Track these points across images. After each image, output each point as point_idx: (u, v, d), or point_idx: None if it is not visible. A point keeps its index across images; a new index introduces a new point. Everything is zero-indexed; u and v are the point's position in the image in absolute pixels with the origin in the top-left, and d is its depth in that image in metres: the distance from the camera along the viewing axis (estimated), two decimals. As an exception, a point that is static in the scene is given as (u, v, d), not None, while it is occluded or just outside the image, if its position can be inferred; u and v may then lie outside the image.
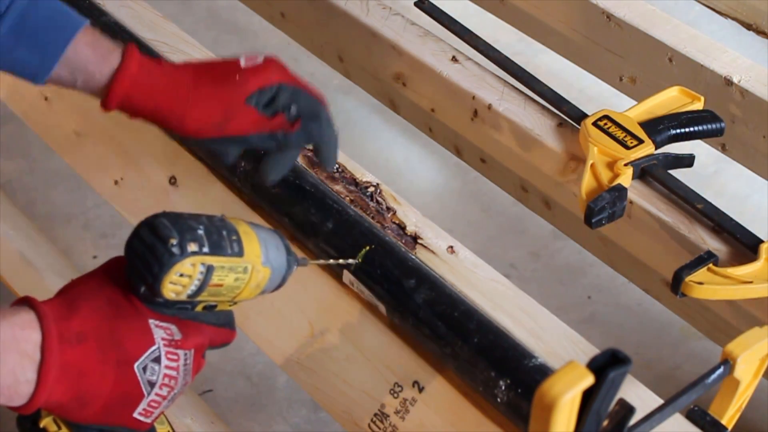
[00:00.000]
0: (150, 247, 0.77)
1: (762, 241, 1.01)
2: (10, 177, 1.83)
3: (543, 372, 0.86)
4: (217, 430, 1.10)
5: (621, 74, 1.36)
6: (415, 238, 1.01)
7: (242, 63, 0.95)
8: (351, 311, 1.01)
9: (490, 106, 1.21)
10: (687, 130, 1.10)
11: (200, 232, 0.79)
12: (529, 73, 1.22)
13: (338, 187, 1.06)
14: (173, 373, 0.80)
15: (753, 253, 1.01)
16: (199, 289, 0.79)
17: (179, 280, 0.78)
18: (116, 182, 1.21)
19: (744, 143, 1.25)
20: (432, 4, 1.34)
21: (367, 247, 0.97)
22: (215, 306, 0.83)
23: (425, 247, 1.00)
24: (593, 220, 1.02)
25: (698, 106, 1.13)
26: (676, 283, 0.98)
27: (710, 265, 0.99)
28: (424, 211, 1.05)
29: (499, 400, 0.88)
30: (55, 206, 1.77)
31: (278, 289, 0.87)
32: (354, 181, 1.07)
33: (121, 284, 0.80)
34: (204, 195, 1.13)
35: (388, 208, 1.04)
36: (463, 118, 1.25)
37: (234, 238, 0.81)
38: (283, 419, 1.52)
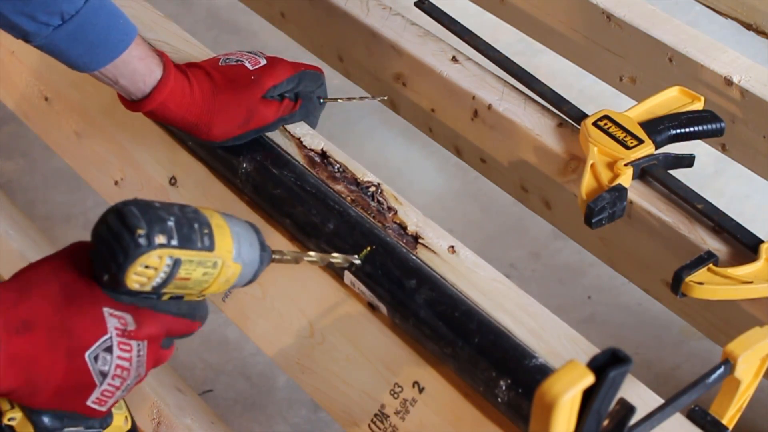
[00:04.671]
0: (116, 235, 0.75)
1: (762, 241, 1.01)
2: (10, 177, 1.83)
3: (544, 372, 0.87)
4: (217, 430, 1.10)
5: (621, 74, 1.36)
6: (416, 238, 1.01)
7: (249, 66, 1.05)
8: (351, 311, 1.01)
9: (490, 106, 1.21)
10: (687, 130, 1.10)
11: (170, 223, 0.77)
12: (529, 73, 1.22)
13: (339, 187, 1.06)
14: (125, 363, 0.79)
15: (753, 253, 1.01)
16: (165, 282, 0.78)
17: (144, 272, 0.76)
18: (116, 182, 1.21)
19: (744, 143, 1.25)
20: (432, 4, 1.34)
21: (369, 248, 0.97)
22: (182, 297, 0.82)
23: (426, 246, 1.01)
24: (593, 221, 1.02)
25: (698, 106, 1.13)
26: (676, 283, 0.98)
27: (710, 265, 0.99)
28: (424, 212, 1.05)
29: (499, 400, 0.88)
30: (55, 206, 1.77)
31: (249, 284, 0.86)
32: (355, 181, 1.07)
33: (83, 268, 0.79)
34: (204, 195, 1.13)
35: (389, 208, 1.04)
36: (463, 118, 1.25)
37: (206, 231, 0.79)
38: (283, 419, 1.52)
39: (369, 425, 0.96)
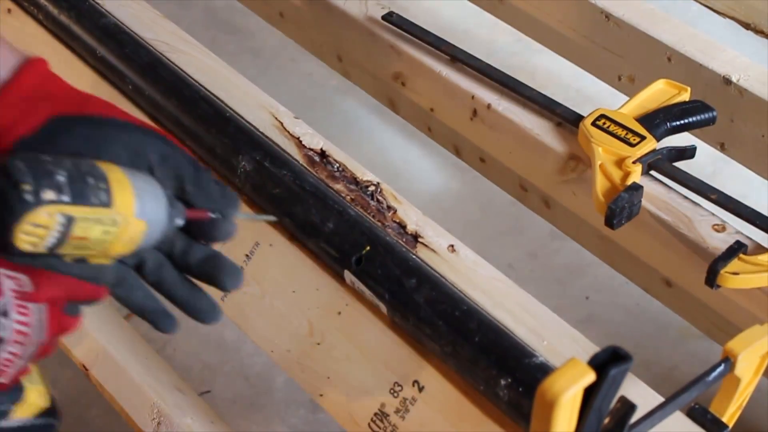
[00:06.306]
0: (1, 192, 0.70)
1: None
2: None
3: (544, 370, 0.86)
4: (218, 430, 1.10)
5: (619, 73, 1.36)
6: (415, 237, 1.01)
7: None
8: (351, 310, 1.01)
9: (489, 106, 1.21)
10: (683, 121, 1.10)
11: (60, 178, 0.71)
12: (515, 80, 1.21)
13: (339, 186, 1.06)
14: (24, 328, 0.74)
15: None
16: (60, 242, 0.73)
17: (34, 231, 0.71)
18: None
19: (743, 142, 1.25)
20: (400, 16, 1.30)
21: (368, 248, 0.97)
22: (85, 260, 0.77)
23: (426, 245, 1.01)
24: (614, 221, 1.02)
25: (686, 96, 1.13)
26: (711, 276, 0.97)
27: (740, 254, 0.99)
28: (422, 212, 1.05)
29: (500, 398, 0.88)
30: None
31: (162, 244, 0.81)
32: (354, 180, 1.07)
33: None
34: (203, 194, 1.13)
35: (389, 207, 1.04)
36: (463, 118, 1.25)
37: (102, 186, 0.73)
38: (281, 420, 1.52)
39: (369, 424, 0.96)
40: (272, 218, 0.92)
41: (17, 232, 0.70)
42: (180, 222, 0.80)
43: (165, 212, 0.77)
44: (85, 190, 0.72)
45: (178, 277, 0.84)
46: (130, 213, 0.75)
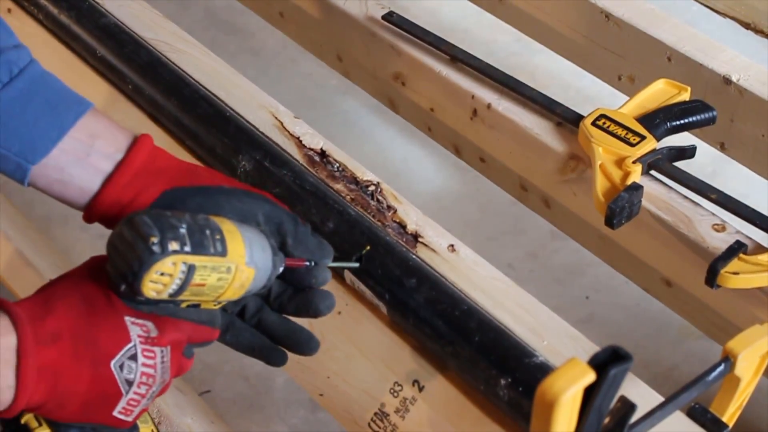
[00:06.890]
0: (130, 244, 0.76)
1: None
2: (8, 178, 1.82)
3: (544, 370, 0.87)
4: (218, 430, 1.10)
5: (620, 73, 1.36)
6: (415, 237, 1.01)
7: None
8: (351, 310, 1.01)
9: (489, 105, 1.21)
10: (683, 121, 1.10)
11: (182, 230, 0.77)
12: (515, 80, 1.21)
13: (339, 186, 1.06)
14: (150, 371, 0.79)
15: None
16: (181, 288, 0.78)
17: (160, 279, 0.77)
18: (115, 182, 1.21)
19: (743, 142, 1.25)
20: (401, 16, 1.31)
21: (368, 247, 0.97)
22: (198, 305, 0.83)
23: (426, 245, 1.01)
24: (614, 221, 1.02)
25: (686, 96, 1.13)
26: (711, 276, 0.98)
27: (740, 254, 0.99)
28: (422, 211, 1.05)
29: (500, 398, 0.88)
30: (53, 207, 1.76)
31: (264, 290, 0.87)
32: (354, 180, 1.07)
33: (101, 281, 0.80)
34: (203, 194, 1.13)
35: (389, 207, 1.04)
36: (463, 118, 1.25)
37: (218, 237, 0.80)
38: (281, 420, 1.52)
39: (369, 424, 0.96)
40: (356, 265, 0.98)
41: (146, 280, 0.76)
42: (281, 269, 0.86)
43: (270, 261, 0.84)
44: (204, 241, 0.78)
45: (276, 317, 0.91)
46: (242, 261, 0.81)
